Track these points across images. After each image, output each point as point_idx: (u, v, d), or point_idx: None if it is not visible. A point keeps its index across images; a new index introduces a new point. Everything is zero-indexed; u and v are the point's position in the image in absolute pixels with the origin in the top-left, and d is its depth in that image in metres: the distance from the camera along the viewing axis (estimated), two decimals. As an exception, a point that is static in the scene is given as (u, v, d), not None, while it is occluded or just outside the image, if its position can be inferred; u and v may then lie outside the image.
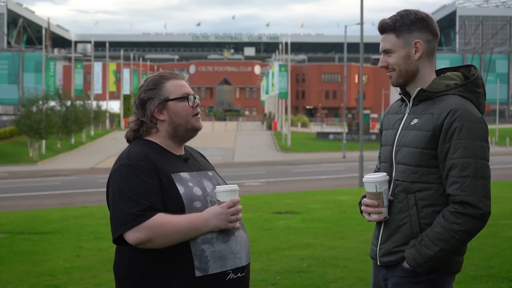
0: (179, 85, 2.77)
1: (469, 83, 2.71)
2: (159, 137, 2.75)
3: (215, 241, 2.61)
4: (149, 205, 2.54)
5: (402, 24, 2.72)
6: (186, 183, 2.66)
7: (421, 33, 2.72)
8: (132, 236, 2.53)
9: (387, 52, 2.76)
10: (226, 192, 2.63)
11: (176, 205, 2.60)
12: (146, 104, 2.74)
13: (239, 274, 2.65)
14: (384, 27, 2.75)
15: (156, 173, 2.61)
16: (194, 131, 2.78)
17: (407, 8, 2.77)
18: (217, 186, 2.68)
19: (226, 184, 2.82)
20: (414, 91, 2.74)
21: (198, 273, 2.57)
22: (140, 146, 2.71)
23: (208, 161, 2.97)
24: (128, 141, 2.79)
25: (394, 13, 2.78)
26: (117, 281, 2.68)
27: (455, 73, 2.79)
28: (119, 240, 2.58)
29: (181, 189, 2.62)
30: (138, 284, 2.60)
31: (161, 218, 2.54)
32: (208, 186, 2.73)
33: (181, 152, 2.80)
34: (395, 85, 2.80)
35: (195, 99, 2.78)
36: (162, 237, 2.53)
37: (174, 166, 2.69)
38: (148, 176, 2.59)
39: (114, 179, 2.62)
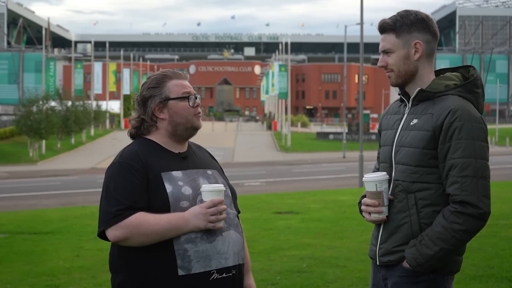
0: (180, 84, 2.79)
1: (469, 84, 2.72)
2: (158, 135, 2.78)
3: (199, 240, 2.62)
4: (129, 205, 2.59)
5: (402, 24, 2.72)
6: (175, 182, 2.67)
7: (421, 33, 2.72)
8: (111, 233, 2.60)
9: (386, 52, 2.76)
10: (208, 192, 2.63)
11: (162, 204, 2.62)
12: (147, 102, 2.77)
13: (224, 275, 2.65)
14: (384, 27, 2.76)
15: (145, 172, 2.65)
16: (194, 129, 2.80)
17: (407, 9, 2.77)
18: (202, 185, 2.67)
19: (226, 183, 2.83)
20: (413, 92, 2.75)
21: (181, 272, 2.59)
22: (136, 145, 2.76)
23: (214, 160, 2.98)
24: (132, 138, 2.84)
25: (392, 13, 2.79)
26: (111, 272, 2.74)
27: (454, 73, 2.80)
28: (103, 236, 2.65)
29: (168, 188, 2.64)
30: (125, 277, 2.65)
31: (139, 218, 2.58)
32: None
33: (182, 149, 2.81)
34: (394, 85, 2.80)
35: (196, 99, 2.80)
36: (139, 236, 2.58)
37: (167, 164, 2.71)
38: (135, 176, 2.63)
39: (105, 176, 2.71)
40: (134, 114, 2.82)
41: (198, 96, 2.82)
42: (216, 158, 3.04)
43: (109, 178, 2.67)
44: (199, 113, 2.80)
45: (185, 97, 2.77)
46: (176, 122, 2.76)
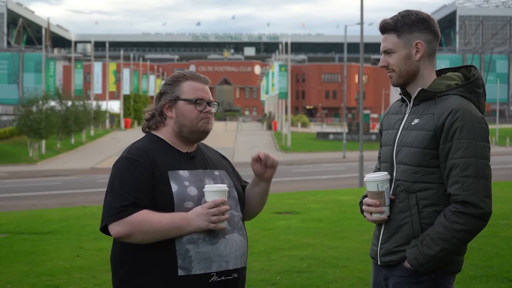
0: (194, 87, 2.77)
1: (470, 84, 2.72)
2: (166, 133, 2.78)
3: (201, 242, 2.62)
4: (133, 201, 2.58)
5: (403, 24, 2.72)
6: (181, 181, 2.66)
7: (422, 33, 2.72)
8: (113, 229, 2.60)
9: (387, 52, 2.76)
10: (211, 193, 2.62)
11: (167, 203, 2.62)
12: (161, 97, 2.78)
13: (223, 278, 2.64)
14: (386, 27, 2.75)
15: (151, 170, 2.64)
16: (201, 133, 2.77)
17: (408, 9, 2.77)
18: (205, 186, 2.66)
19: (233, 184, 2.81)
20: (414, 91, 2.75)
21: (181, 272, 2.59)
22: (145, 141, 2.76)
23: (225, 160, 2.95)
24: (143, 131, 2.85)
25: (393, 13, 2.79)
26: (112, 270, 2.74)
27: (456, 73, 2.80)
28: (105, 230, 2.65)
29: (174, 188, 2.63)
30: (126, 275, 2.65)
31: (142, 215, 2.57)
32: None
33: (190, 149, 2.79)
34: (395, 85, 2.80)
35: (209, 105, 2.77)
36: (141, 233, 2.57)
37: (174, 163, 2.70)
38: (141, 172, 2.62)
39: (112, 170, 2.70)
40: (150, 107, 2.84)
41: (215, 103, 2.79)
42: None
43: (115, 173, 2.66)
44: (209, 118, 2.77)
45: (194, 101, 2.75)
46: (181, 123, 2.74)
